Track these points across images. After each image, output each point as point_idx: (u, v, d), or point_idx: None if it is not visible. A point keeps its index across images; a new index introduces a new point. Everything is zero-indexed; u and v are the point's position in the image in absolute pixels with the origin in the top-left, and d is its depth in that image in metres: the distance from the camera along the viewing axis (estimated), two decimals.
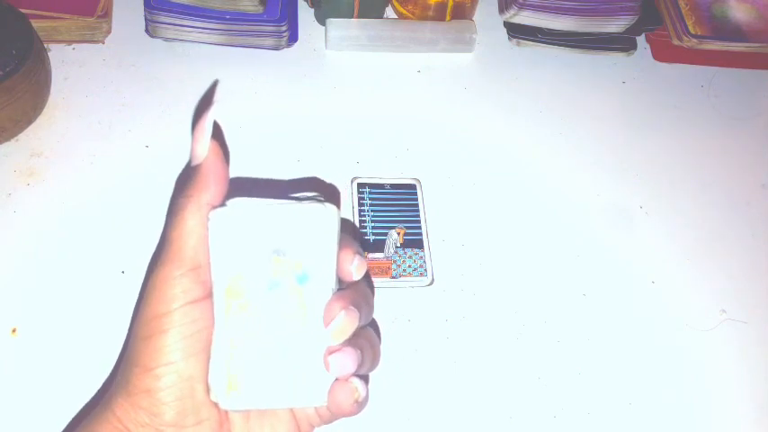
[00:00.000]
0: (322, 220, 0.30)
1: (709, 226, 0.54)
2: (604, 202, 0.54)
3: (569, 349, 0.46)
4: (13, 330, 0.42)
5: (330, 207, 0.30)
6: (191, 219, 0.29)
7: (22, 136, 0.50)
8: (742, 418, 0.45)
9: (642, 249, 0.52)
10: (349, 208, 0.50)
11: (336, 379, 0.30)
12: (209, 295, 0.30)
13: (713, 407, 0.45)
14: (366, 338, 0.31)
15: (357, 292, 0.31)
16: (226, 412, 0.31)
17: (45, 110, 0.52)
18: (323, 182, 0.52)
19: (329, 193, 0.51)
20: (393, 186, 0.52)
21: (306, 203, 0.30)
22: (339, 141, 0.54)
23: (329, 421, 0.33)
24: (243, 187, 0.50)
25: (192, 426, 0.29)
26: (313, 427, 0.34)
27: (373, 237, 0.49)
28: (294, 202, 0.30)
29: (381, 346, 0.45)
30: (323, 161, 0.53)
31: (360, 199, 0.51)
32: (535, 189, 0.54)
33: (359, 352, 0.30)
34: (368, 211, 0.50)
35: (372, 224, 0.49)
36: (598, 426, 0.44)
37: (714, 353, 0.48)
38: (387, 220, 0.50)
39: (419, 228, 0.50)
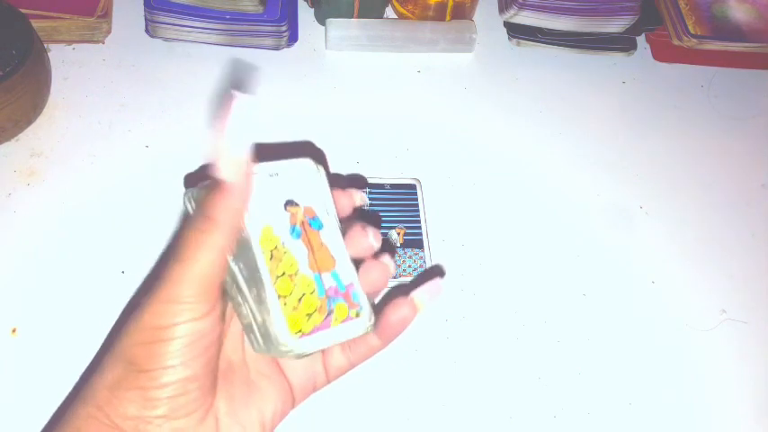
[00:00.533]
0: (308, 171, 0.33)
1: (709, 226, 0.54)
2: (604, 202, 0.54)
3: (569, 349, 0.46)
4: (13, 330, 0.42)
5: (306, 160, 0.34)
6: (209, 245, 0.28)
7: (22, 136, 0.50)
8: (742, 418, 0.45)
9: (642, 249, 0.52)
10: None
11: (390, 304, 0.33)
12: (215, 308, 0.29)
13: (713, 407, 0.45)
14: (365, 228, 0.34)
15: (363, 222, 0.34)
16: (212, 401, 0.30)
17: (45, 110, 0.52)
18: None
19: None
20: (393, 186, 0.52)
21: (290, 160, 0.33)
22: (339, 141, 0.54)
23: (350, 366, 0.35)
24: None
25: (181, 417, 0.29)
26: (315, 388, 0.35)
27: None
28: (281, 160, 0.33)
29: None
30: (323, 161, 0.53)
31: None
32: (535, 189, 0.54)
33: (384, 264, 0.33)
34: (368, 211, 0.50)
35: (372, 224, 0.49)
36: (598, 426, 0.44)
37: (714, 353, 0.48)
38: (387, 220, 0.50)
39: (419, 228, 0.50)
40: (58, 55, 0.55)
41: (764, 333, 0.49)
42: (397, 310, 0.33)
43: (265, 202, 0.32)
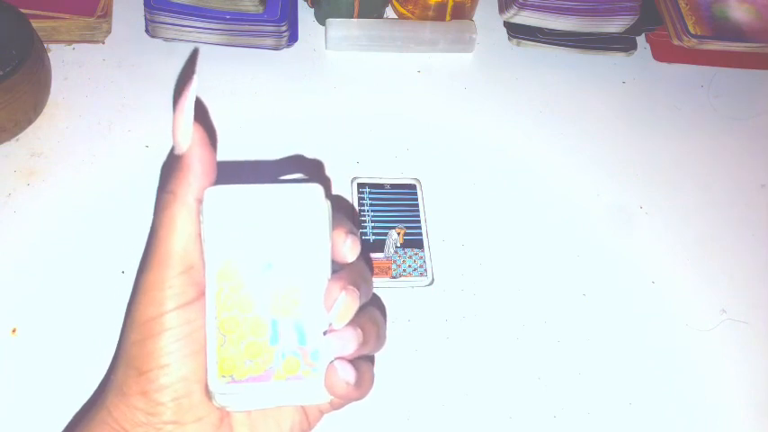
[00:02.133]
0: (311, 200, 0.29)
1: (709, 226, 0.54)
2: (604, 202, 0.54)
3: (569, 349, 0.46)
4: (13, 330, 0.42)
5: (316, 186, 0.29)
6: (178, 218, 0.28)
7: (22, 136, 0.50)
8: (742, 418, 0.45)
9: (642, 249, 0.52)
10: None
11: (330, 363, 0.28)
12: (203, 295, 0.29)
13: (713, 407, 0.45)
14: (368, 317, 0.30)
15: (354, 272, 0.30)
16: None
17: (45, 110, 0.52)
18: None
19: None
20: (393, 186, 0.52)
21: (294, 184, 0.29)
22: (339, 141, 0.54)
23: (339, 406, 0.32)
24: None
25: (192, 422, 0.29)
26: (323, 413, 0.33)
27: (373, 237, 0.49)
28: (282, 183, 0.30)
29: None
30: (323, 161, 0.53)
31: (360, 199, 0.51)
32: (535, 189, 0.54)
33: (359, 331, 0.29)
34: (368, 211, 0.50)
35: (372, 224, 0.49)
36: (598, 426, 0.44)
37: (714, 353, 0.48)
38: (387, 220, 0.50)
39: (419, 228, 0.50)
40: (58, 55, 0.55)
41: (764, 333, 0.49)
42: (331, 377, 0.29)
43: (241, 230, 0.28)
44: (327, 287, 0.29)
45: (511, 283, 0.49)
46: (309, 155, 0.53)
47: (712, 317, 0.49)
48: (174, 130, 0.28)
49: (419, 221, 0.50)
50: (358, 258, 0.30)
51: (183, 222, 0.28)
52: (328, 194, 0.30)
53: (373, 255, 0.48)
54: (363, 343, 0.29)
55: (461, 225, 0.51)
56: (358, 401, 0.31)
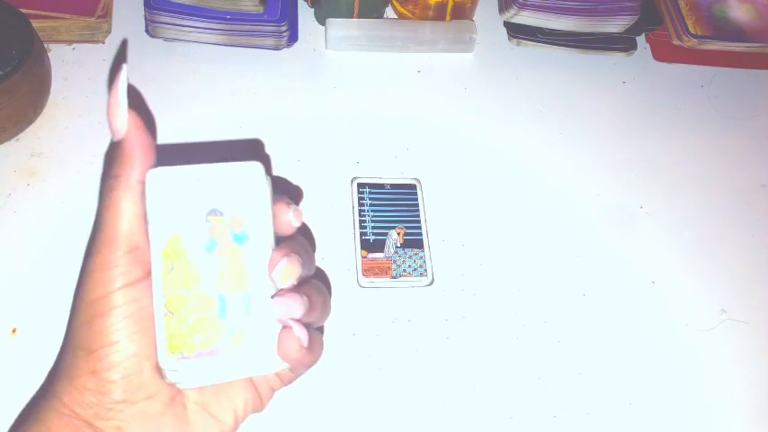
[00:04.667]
0: (251, 178, 0.30)
1: (709, 226, 0.54)
2: (604, 202, 0.54)
3: (569, 349, 0.46)
4: (13, 330, 0.42)
5: (255, 164, 0.30)
6: (122, 200, 0.29)
7: (22, 136, 0.50)
8: (742, 418, 0.45)
9: (642, 249, 0.52)
10: (349, 208, 0.50)
11: (282, 328, 0.29)
12: (148, 276, 0.29)
13: (713, 407, 0.45)
14: (313, 286, 0.31)
15: (296, 243, 0.31)
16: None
17: (45, 110, 0.52)
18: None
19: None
20: (393, 186, 0.52)
21: (234, 163, 0.30)
22: (339, 141, 0.54)
23: (289, 381, 0.33)
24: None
25: (143, 400, 0.29)
26: (274, 390, 0.33)
27: (373, 237, 0.49)
28: (223, 163, 0.30)
29: (379, 343, 0.45)
30: (323, 161, 0.53)
31: (360, 199, 0.51)
32: (535, 189, 0.54)
33: (305, 297, 0.29)
34: (368, 211, 0.50)
35: (372, 224, 0.49)
36: (598, 426, 0.44)
37: (714, 353, 0.48)
38: (387, 220, 0.50)
39: (419, 228, 0.50)
40: (58, 55, 0.55)
41: (764, 333, 0.49)
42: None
43: (184, 209, 0.29)
44: (271, 256, 0.29)
45: (511, 283, 0.49)
46: (309, 155, 0.53)
47: (712, 317, 0.49)
48: (109, 119, 0.29)
49: (419, 221, 0.50)
50: (299, 234, 0.32)
51: (128, 204, 0.29)
52: (268, 171, 0.31)
53: (373, 255, 0.48)
54: (310, 309, 0.30)
55: (461, 225, 0.51)
56: (308, 369, 0.32)
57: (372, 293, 0.47)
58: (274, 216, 0.30)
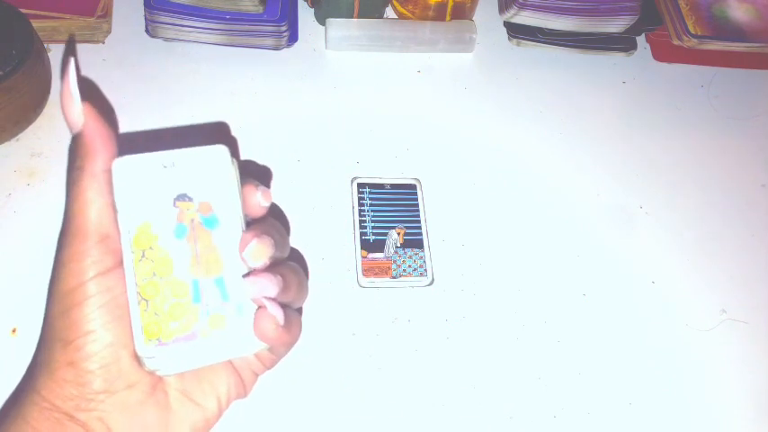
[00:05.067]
0: (217, 161, 0.30)
1: (709, 226, 0.54)
2: (604, 202, 0.54)
3: (569, 349, 0.46)
4: (13, 330, 0.42)
5: (221, 147, 0.30)
6: (88, 190, 0.29)
7: (22, 136, 0.50)
8: (742, 418, 0.45)
9: (642, 249, 0.52)
10: (349, 208, 0.50)
11: (258, 308, 0.29)
12: (121, 263, 0.29)
13: (713, 407, 0.45)
14: (287, 266, 0.31)
15: (267, 224, 0.31)
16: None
17: (45, 110, 0.52)
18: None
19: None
20: (393, 186, 0.52)
21: (199, 147, 0.30)
22: (339, 141, 0.54)
23: (272, 364, 0.33)
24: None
25: (123, 390, 0.29)
26: (257, 374, 0.33)
27: (373, 237, 0.49)
28: (188, 148, 0.30)
29: (379, 343, 0.45)
30: (323, 161, 0.53)
31: (360, 199, 0.51)
32: (535, 189, 0.54)
33: (279, 277, 0.29)
34: (368, 211, 0.50)
35: (372, 224, 0.49)
36: (598, 426, 0.44)
37: (714, 353, 0.48)
38: (387, 220, 0.50)
39: (419, 228, 0.50)
40: (59, 55, 0.55)
41: (764, 333, 0.49)
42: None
43: (151, 195, 0.29)
44: (241, 237, 0.29)
45: (511, 283, 0.49)
46: (309, 155, 0.53)
47: (712, 317, 0.49)
48: (64, 113, 0.29)
49: (419, 221, 0.50)
50: (270, 216, 0.32)
51: (94, 194, 0.29)
52: (234, 154, 0.31)
53: (373, 255, 0.48)
54: (284, 288, 0.30)
55: (461, 225, 0.51)
56: (288, 350, 0.31)
57: (372, 293, 0.47)
58: (243, 198, 0.30)
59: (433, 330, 0.46)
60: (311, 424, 0.42)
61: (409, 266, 0.48)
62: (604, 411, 0.44)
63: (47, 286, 0.43)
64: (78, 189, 0.29)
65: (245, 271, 0.29)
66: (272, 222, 0.32)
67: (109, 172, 0.29)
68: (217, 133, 0.53)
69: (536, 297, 0.48)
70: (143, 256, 0.29)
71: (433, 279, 0.48)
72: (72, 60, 0.30)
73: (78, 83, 0.30)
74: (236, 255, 0.29)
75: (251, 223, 0.31)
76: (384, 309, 0.46)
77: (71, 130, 0.30)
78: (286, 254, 0.32)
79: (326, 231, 0.49)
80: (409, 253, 0.49)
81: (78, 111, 0.29)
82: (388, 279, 0.47)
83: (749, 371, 0.47)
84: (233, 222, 0.30)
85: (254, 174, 0.36)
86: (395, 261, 0.48)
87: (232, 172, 0.30)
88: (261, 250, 0.29)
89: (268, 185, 0.36)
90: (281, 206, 0.49)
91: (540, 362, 0.46)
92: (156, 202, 0.29)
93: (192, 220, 0.29)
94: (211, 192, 0.30)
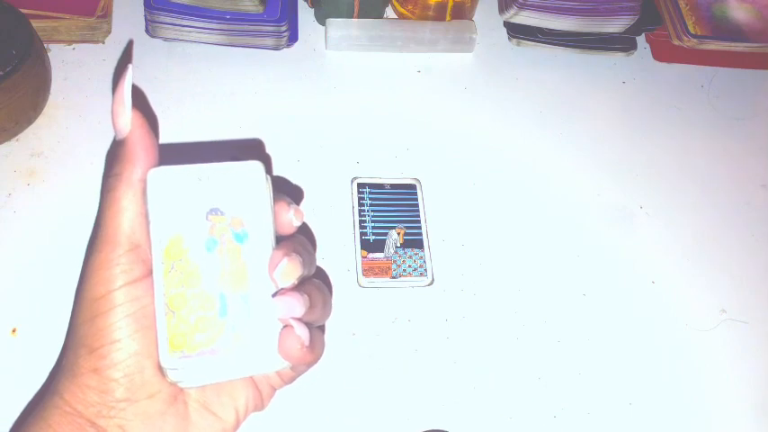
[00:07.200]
0: (251, 177, 0.30)
1: (709, 226, 0.54)
2: (604, 202, 0.54)
3: (569, 349, 0.46)
4: (13, 330, 0.42)
5: (256, 163, 0.30)
6: (123, 198, 0.29)
7: (22, 136, 0.50)
8: (742, 418, 0.45)
9: (642, 249, 0.52)
10: (349, 208, 0.50)
11: (283, 327, 0.29)
12: (151, 273, 0.29)
13: (713, 407, 0.45)
14: (313, 285, 0.31)
15: (297, 242, 0.31)
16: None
17: (45, 110, 0.52)
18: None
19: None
20: (393, 186, 0.52)
21: (234, 162, 0.30)
22: (339, 141, 0.54)
23: (290, 380, 0.33)
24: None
25: (144, 399, 0.29)
26: (275, 389, 0.34)
27: (373, 237, 0.49)
28: (223, 162, 0.31)
29: (379, 343, 0.45)
30: (323, 161, 0.53)
31: (360, 199, 0.51)
32: (535, 189, 0.54)
33: (305, 296, 0.29)
34: (368, 211, 0.50)
35: (372, 224, 0.49)
36: (598, 426, 0.44)
37: (714, 353, 0.48)
38: (387, 220, 0.50)
39: (419, 228, 0.50)
40: (58, 55, 0.55)
41: (764, 333, 0.49)
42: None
43: (185, 208, 0.29)
44: (272, 255, 0.29)
45: (511, 283, 0.49)
46: (309, 155, 0.53)
47: (712, 317, 0.49)
48: (113, 118, 0.30)
49: (419, 221, 0.50)
50: (300, 233, 0.32)
51: (129, 203, 0.29)
52: (269, 171, 0.31)
53: (373, 255, 0.48)
54: (311, 308, 0.30)
55: (461, 225, 0.51)
56: (309, 368, 0.32)
57: (372, 293, 0.47)
58: (275, 215, 0.31)
59: (433, 330, 0.46)
60: (311, 424, 0.42)
61: (409, 266, 0.48)
62: (604, 411, 0.44)
63: (48, 286, 0.44)
64: (114, 196, 0.29)
65: (272, 287, 0.29)
66: (300, 240, 0.32)
67: (145, 181, 0.29)
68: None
69: (536, 297, 0.48)
70: (173, 267, 0.29)
71: (432, 279, 0.48)
72: (129, 67, 0.30)
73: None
74: (263, 271, 0.29)
75: (280, 239, 0.31)
76: (384, 309, 0.46)
77: (116, 135, 0.30)
78: (313, 271, 0.32)
79: (326, 231, 0.49)
80: (409, 253, 0.49)
81: (128, 118, 0.29)
82: (388, 279, 0.47)
83: (749, 371, 0.47)
84: (263, 239, 0.30)
85: (286, 192, 0.36)
86: (395, 261, 0.48)
87: (266, 188, 0.30)
88: (290, 270, 0.29)
89: (299, 204, 0.37)
90: None
91: (540, 362, 0.46)
92: (189, 215, 0.29)
93: (224, 235, 0.29)
94: (244, 207, 0.30)
